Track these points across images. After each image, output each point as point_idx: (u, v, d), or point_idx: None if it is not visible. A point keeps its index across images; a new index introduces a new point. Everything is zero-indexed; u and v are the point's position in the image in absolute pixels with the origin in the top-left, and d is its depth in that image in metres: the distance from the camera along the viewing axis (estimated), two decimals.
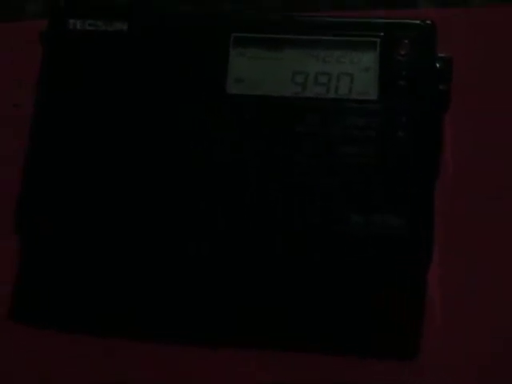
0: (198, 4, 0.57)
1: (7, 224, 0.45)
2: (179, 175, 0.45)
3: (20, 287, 0.48)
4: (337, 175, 0.44)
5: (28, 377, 0.47)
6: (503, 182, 0.49)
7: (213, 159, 0.45)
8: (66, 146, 0.46)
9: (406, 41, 0.46)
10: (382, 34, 0.46)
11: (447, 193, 0.48)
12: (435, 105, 0.46)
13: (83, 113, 0.47)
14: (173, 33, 0.47)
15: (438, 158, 0.46)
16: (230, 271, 0.46)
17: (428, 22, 0.47)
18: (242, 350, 0.46)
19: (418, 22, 0.47)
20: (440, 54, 0.46)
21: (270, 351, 0.46)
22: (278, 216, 0.44)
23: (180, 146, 0.46)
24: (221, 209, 0.44)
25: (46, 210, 0.46)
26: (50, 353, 0.47)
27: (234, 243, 0.44)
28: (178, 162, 0.45)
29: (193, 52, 0.47)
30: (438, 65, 0.46)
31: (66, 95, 0.47)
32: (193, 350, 0.46)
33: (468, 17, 0.54)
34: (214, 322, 0.47)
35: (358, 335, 0.46)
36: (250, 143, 0.45)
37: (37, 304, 0.48)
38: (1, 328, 0.48)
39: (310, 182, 0.44)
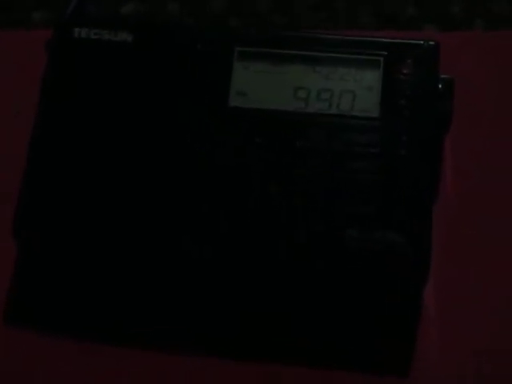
0: (204, 18, 0.58)
1: (4, 228, 0.46)
2: (180, 184, 0.45)
3: (16, 291, 0.48)
4: (337, 190, 0.44)
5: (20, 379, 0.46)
6: (502, 202, 0.49)
7: (213, 169, 0.45)
8: (67, 153, 0.46)
9: (409, 60, 0.46)
10: (385, 52, 0.47)
11: (446, 211, 0.48)
12: (436, 125, 0.46)
13: (84, 121, 0.47)
14: (177, 45, 0.48)
15: (437, 178, 0.46)
16: (231, 276, 0.45)
17: (431, 42, 0.47)
18: (241, 360, 0.46)
19: (421, 42, 0.47)
20: (442, 75, 0.47)
21: (267, 362, 0.46)
22: (279, 225, 0.44)
23: (182, 156, 0.46)
24: (223, 215, 0.44)
25: (46, 215, 0.46)
26: (44, 355, 0.47)
27: (235, 248, 0.44)
28: (180, 171, 0.45)
29: (196, 64, 0.47)
30: (440, 85, 0.46)
31: (68, 103, 0.47)
32: (191, 359, 0.46)
33: (471, 41, 0.54)
34: (214, 330, 0.46)
35: (352, 348, 0.46)
36: (252, 154, 0.45)
37: (32, 308, 0.48)
38: None
39: (310, 196, 0.44)
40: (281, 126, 0.46)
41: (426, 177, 0.45)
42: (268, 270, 0.45)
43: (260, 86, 0.47)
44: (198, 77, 0.47)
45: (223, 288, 0.46)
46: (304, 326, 0.46)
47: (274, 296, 0.46)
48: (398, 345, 0.46)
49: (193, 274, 0.45)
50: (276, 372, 0.46)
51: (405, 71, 0.46)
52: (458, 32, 0.58)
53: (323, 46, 0.47)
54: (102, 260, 0.46)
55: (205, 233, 0.44)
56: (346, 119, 0.46)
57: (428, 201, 0.44)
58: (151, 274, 0.46)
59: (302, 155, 0.45)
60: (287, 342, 0.46)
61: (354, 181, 0.44)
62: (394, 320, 0.46)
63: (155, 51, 0.48)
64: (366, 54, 0.47)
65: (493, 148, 0.50)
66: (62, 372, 0.46)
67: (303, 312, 0.46)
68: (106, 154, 0.46)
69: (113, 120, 0.47)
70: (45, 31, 0.49)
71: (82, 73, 0.48)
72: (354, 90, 0.47)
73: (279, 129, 0.46)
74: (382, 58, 0.47)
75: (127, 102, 0.47)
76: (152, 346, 0.46)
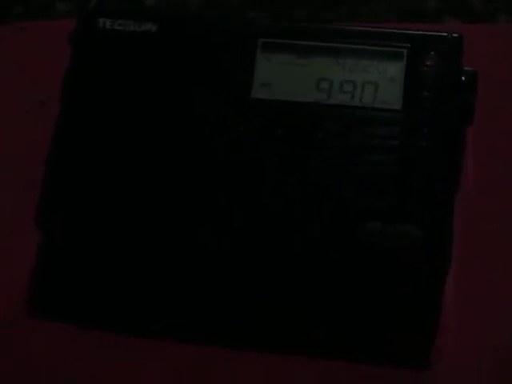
0: (225, 11, 0.58)
1: (23, 220, 0.46)
2: (199, 175, 0.45)
3: (37, 282, 0.48)
4: (357, 182, 0.44)
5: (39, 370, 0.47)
6: None
7: (234, 159, 0.45)
8: (90, 144, 0.47)
9: (433, 52, 0.46)
10: (408, 44, 0.47)
11: (467, 203, 0.48)
12: (458, 117, 0.46)
13: (108, 111, 0.47)
14: (201, 36, 0.48)
15: (459, 171, 0.46)
16: (247, 268, 0.46)
17: (455, 35, 0.47)
18: (255, 352, 0.46)
19: (444, 34, 0.47)
20: (465, 68, 0.47)
21: (281, 354, 0.46)
22: (294, 217, 0.44)
23: (202, 146, 0.46)
24: (239, 207, 0.45)
25: (68, 205, 0.46)
26: (65, 346, 0.47)
27: (251, 239, 0.44)
28: (200, 162, 0.46)
29: (220, 55, 0.48)
30: (463, 78, 0.46)
31: (92, 93, 0.48)
32: (206, 350, 0.46)
33: (494, 33, 0.54)
34: (229, 321, 0.47)
35: (369, 341, 0.46)
36: (271, 146, 0.46)
37: (53, 298, 0.48)
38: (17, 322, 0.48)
39: (328, 188, 0.45)
40: (303, 117, 0.46)
41: (447, 169, 0.44)
42: (283, 262, 0.45)
43: (283, 77, 0.47)
44: (221, 68, 0.47)
45: (238, 279, 0.46)
46: (320, 317, 0.46)
47: (288, 288, 0.46)
48: (417, 337, 0.46)
49: (209, 266, 0.46)
50: (289, 362, 0.46)
51: (428, 63, 0.46)
52: (481, 24, 0.58)
53: (346, 38, 0.47)
54: (121, 250, 0.46)
55: (222, 224, 0.45)
56: (367, 111, 0.46)
57: (449, 193, 0.44)
58: (169, 264, 0.46)
59: (323, 147, 0.45)
60: (302, 333, 0.46)
61: (373, 173, 0.44)
62: (414, 312, 0.46)
63: (179, 42, 0.48)
64: (389, 45, 0.47)
65: None
66: (80, 363, 0.47)
67: (318, 304, 0.46)
68: (128, 145, 0.47)
69: (136, 110, 0.47)
70: (69, 21, 0.50)
71: (106, 63, 0.48)
72: (376, 81, 0.46)
73: (301, 120, 0.46)
74: (405, 50, 0.47)
75: (150, 92, 0.47)
76: (168, 335, 0.47)
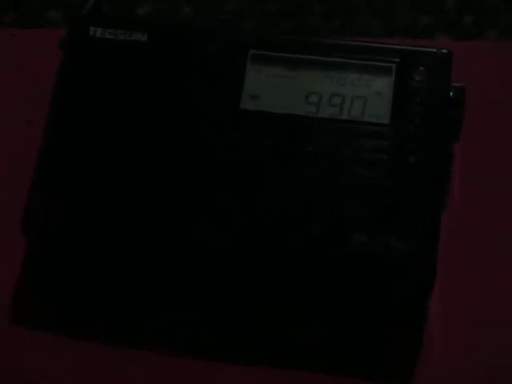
0: (217, 21, 0.58)
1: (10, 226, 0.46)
2: (194, 180, 0.46)
3: (25, 289, 0.48)
4: (344, 195, 0.45)
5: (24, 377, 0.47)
6: (511, 212, 0.49)
7: (225, 164, 0.46)
8: (80, 151, 0.47)
9: (422, 68, 0.47)
10: (397, 59, 0.47)
11: (454, 219, 0.48)
12: (446, 133, 0.46)
13: (98, 119, 0.47)
14: (191, 46, 0.48)
15: (446, 186, 0.46)
16: (244, 268, 0.46)
17: (444, 50, 0.47)
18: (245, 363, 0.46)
19: (433, 50, 0.47)
20: (454, 84, 0.47)
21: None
22: (281, 228, 0.44)
23: (193, 152, 0.46)
24: (228, 212, 0.45)
25: (59, 211, 0.46)
26: (52, 356, 0.47)
27: (242, 247, 0.45)
28: (189, 171, 0.46)
29: (209, 66, 0.48)
30: (451, 93, 0.47)
31: (81, 101, 0.48)
32: (197, 360, 0.46)
33: (484, 50, 0.54)
34: (226, 323, 0.47)
35: (353, 355, 0.46)
36: (260, 157, 0.46)
37: (38, 307, 0.48)
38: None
39: (317, 198, 0.45)
40: (291, 130, 0.46)
41: (435, 184, 0.45)
42: (268, 274, 0.45)
43: (272, 89, 0.47)
44: (210, 78, 0.47)
45: (233, 281, 0.46)
46: (306, 329, 0.46)
47: (274, 302, 0.46)
48: (401, 351, 0.46)
49: (208, 266, 0.46)
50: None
51: (417, 78, 0.47)
52: (471, 41, 0.59)
53: (336, 52, 0.48)
54: (112, 256, 0.46)
55: (221, 225, 0.45)
56: (356, 125, 0.46)
57: (436, 207, 0.44)
58: (167, 265, 0.46)
59: (311, 159, 0.45)
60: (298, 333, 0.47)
61: (361, 186, 0.45)
62: (398, 327, 0.46)
63: (169, 52, 0.48)
64: (378, 60, 0.47)
65: (502, 157, 0.51)
66: (68, 372, 0.47)
67: (302, 315, 0.46)
68: (119, 153, 0.47)
69: (126, 119, 0.47)
70: (59, 30, 0.50)
71: (97, 71, 0.48)
72: (365, 95, 0.47)
73: (290, 133, 0.46)
74: (394, 65, 0.47)
75: (140, 101, 0.47)
76: (159, 345, 0.47)
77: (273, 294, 0.46)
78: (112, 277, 0.47)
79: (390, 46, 0.48)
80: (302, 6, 0.61)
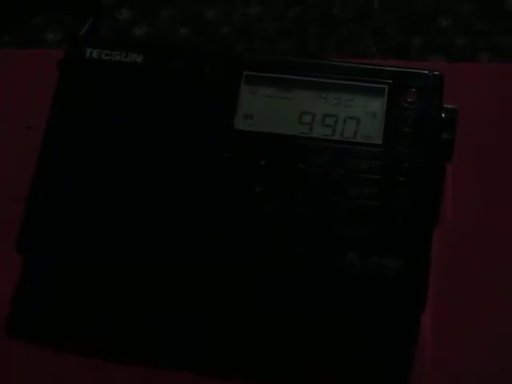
0: (213, 42, 0.59)
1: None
2: (184, 204, 0.46)
3: (20, 303, 0.49)
4: (338, 214, 0.45)
5: None
6: (501, 230, 0.50)
7: (217, 189, 0.46)
8: (75, 170, 0.47)
9: (414, 89, 0.47)
10: (390, 81, 0.48)
11: (445, 239, 0.48)
12: (438, 153, 0.47)
13: (93, 139, 0.48)
14: (186, 67, 0.49)
15: (437, 205, 0.46)
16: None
17: (436, 72, 0.48)
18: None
19: (425, 71, 0.48)
20: (446, 105, 0.47)
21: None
22: (275, 245, 0.45)
23: (186, 175, 0.47)
24: (222, 230, 0.45)
25: (54, 230, 0.46)
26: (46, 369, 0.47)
27: (234, 264, 0.45)
28: (184, 191, 0.46)
29: (204, 87, 0.48)
30: (443, 115, 0.47)
31: (77, 121, 0.48)
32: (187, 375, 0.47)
33: (476, 72, 0.55)
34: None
35: (344, 371, 0.46)
36: (254, 175, 0.46)
37: (34, 319, 0.48)
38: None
39: (311, 217, 0.45)
40: (285, 149, 0.47)
41: (426, 204, 0.45)
42: (264, 289, 0.45)
43: (266, 109, 0.48)
44: (205, 99, 0.48)
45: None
46: (297, 342, 0.47)
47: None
48: (392, 369, 0.46)
49: (203, 280, 0.46)
50: None
51: (409, 100, 0.47)
52: (464, 63, 0.59)
53: (329, 73, 0.48)
54: (110, 267, 0.47)
55: (216, 243, 0.45)
56: (349, 145, 0.47)
57: (427, 227, 0.45)
58: (165, 277, 0.46)
59: (304, 179, 0.46)
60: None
61: (353, 206, 0.45)
62: (390, 345, 0.46)
63: (164, 73, 0.49)
64: (371, 81, 0.48)
65: (492, 177, 0.51)
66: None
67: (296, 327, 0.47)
68: (113, 173, 0.47)
69: (120, 139, 0.48)
70: (57, 51, 0.50)
71: (92, 92, 0.49)
72: (358, 116, 0.47)
73: (283, 152, 0.47)
74: (386, 86, 0.47)
75: (135, 121, 0.48)
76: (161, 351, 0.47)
77: (266, 311, 0.46)
78: (107, 290, 0.48)
79: (383, 68, 0.48)
80: (298, 28, 0.62)
